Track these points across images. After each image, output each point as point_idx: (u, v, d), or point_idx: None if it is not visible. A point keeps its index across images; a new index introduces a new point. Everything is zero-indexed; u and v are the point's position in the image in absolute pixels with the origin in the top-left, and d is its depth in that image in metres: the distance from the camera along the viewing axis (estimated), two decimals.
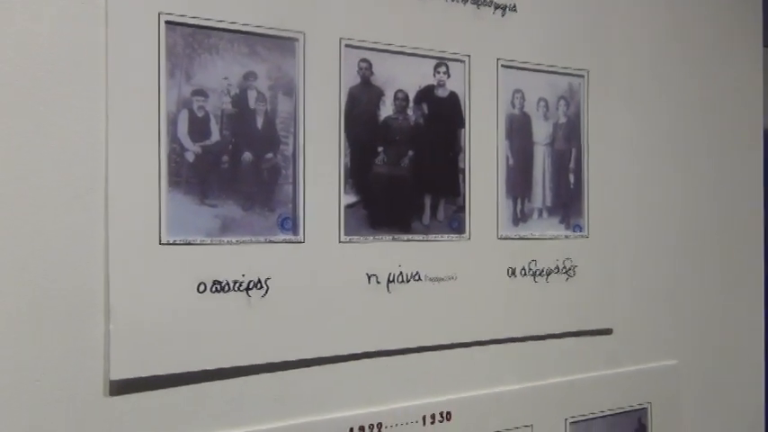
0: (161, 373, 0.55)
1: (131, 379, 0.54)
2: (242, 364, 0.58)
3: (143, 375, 0.54)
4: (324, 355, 0.62)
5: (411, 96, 0.66)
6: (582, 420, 0.76)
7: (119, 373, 0.53)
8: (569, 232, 0.76)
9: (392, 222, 0.65)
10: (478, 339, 0.70)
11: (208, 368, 0.57)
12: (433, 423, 0.67)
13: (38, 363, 0.51)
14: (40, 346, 0.51)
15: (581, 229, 0.76)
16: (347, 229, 0.63)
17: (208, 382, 0.57)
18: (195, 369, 0.56)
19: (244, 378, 0.59)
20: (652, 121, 0.83)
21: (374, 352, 0.65)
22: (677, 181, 0.85)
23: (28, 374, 0.51)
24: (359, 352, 0.64)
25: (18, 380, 0.50)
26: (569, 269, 0.75)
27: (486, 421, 0.70)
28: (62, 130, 0.52)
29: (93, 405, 0.53)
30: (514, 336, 0.72)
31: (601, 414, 0.78)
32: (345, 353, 0.63)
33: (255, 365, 0.59)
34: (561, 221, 0.75)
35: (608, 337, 0.79)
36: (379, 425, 0.64)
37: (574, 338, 0.76)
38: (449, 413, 0.68)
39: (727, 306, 0.89)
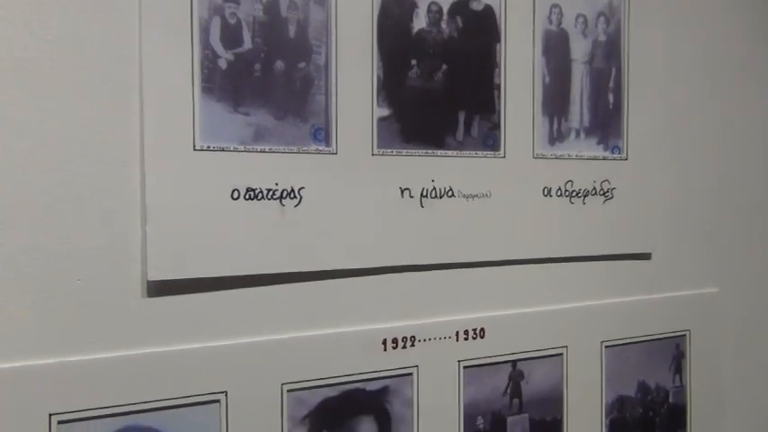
0: (196, 277, 0.56)
1: (168, 281, 0.55)
2: (276, 272, 0.59)
3: (179, 278, 0.55)
4: (357, 267, 0.62)
5: (445, 9, 0.65)
6: (618, 344, 0.76)
7: (156, 275, 0.54)
8: (607, 153, 0.74)
9: (425, 137, 0.65)
10: (513, 258, 0.70)
11: (242, 274, 0.57)
12: (466, 339, 0.67)
13: (79, 263, 0.52)
14: (81, 247, 0.52)
15: (619, 150, 0.75)
16: (380, 141, 0.63)
17: (242, 289, 0.58)
18: (229, 274, 0.57)
19: (277, 286, 0.59)
20: (694, 41, 0.80)
21: (407, 266, 0.65)
22: (719, 103, 0.83)
23: (70, 274, 0.52)
24: (392, 265, 0.64)
25: (61, 279, 0.52)
26: (607, 191, 0.74)
27: (519, 340, 0.70)
28: (97, 34, 0.52)
29: (132, 305, 0.54)
30: (550, 256, 0.72)
31: (638, 339, 0.77)
32: (378, 265, 0.63)
33: (289, 274, 0.59)
34: (599, 142, 0.74)
35: (646, 262, 0.78)
36: (413, 338, 0.65)
37: (611, 262, 0.75)
38: (482, 330, 0.68)
39: None
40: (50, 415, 0.52)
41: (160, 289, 0.55)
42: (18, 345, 0.51)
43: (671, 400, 0.79)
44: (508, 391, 0.70)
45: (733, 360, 0.83)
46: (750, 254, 0.85)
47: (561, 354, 0.72)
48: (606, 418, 0.75)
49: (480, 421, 0.69)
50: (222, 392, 0.57)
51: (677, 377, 0.79)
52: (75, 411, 0.53)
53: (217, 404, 0.57)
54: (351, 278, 0.62)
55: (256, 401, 0.58)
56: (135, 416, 0.55)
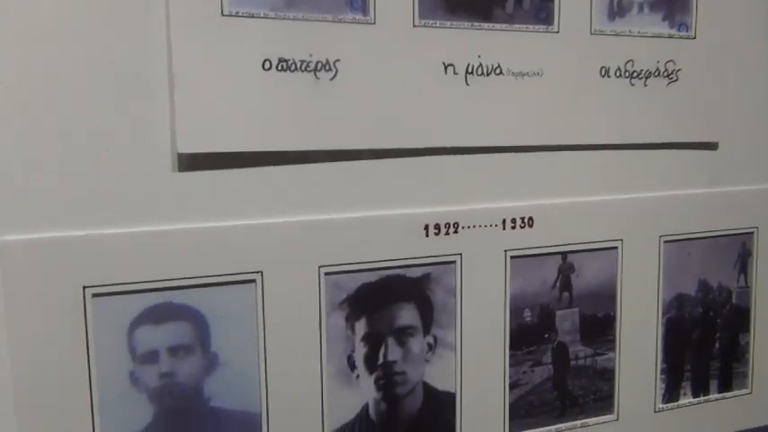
0: (226, 151, 0.54)
1: (198, 155, 0.53)
2: (310, 149, 0.56)
3: (209, 151, 0.53)
4: (396, 147, 0.59)
5: None
6: (678, 240, 0.71)
7: (185, 147, 0.52)
8: (673, 31, 0.68)
9: (471, 8, 0.60)
10: (565, 143, 0.65)
11: (275, 149, 0.55)
12: (513, 228, 0.64)
13: (106, 132, 0.51)
14: (108, 116, 0.51)
15: (687, 28, 0.68)
16: (422, 11, 0.58)
17: (276, 166, 0.56)
18: (261, 149, 0.55)
19: (314, 165, 0.57)
20: None
21: (451, 148, 0.61)
22: None
23: (98, 144, 0.51)
24: (434, 146, 0.60)
25: (88, 150, 0.50)
26: (671, 73, 0.68)
27: (571, 231, 0.66)
28: None
29: (162, 179, 0.53)
30: (606, 142, 0.67)
31: (700, 235, 0.72)
32: (419, 146, 0.60)
33: (325, 152, 0.57)
34: (664, 18, 0.67)
35: (712, 152, 0.72)
36: (456, 224, 0.62)
37: (673, 151, 0.70)
38: (531, 219, 0.64)
39: None
40: (84, 288, 0.51)
41: (191, 163, 0.53)
42: (47, 215, 0.50)
43: (734, 300, 0.74)
44: (557, 284, 0.67)
45: None
46: None
47: (616, 247, 0.68)
48: (663, 317, 0.71)
49: (527, 314, 0.66)
50: (258, 272, 0.56)
51: (742, 277, 0.74)
52: (110, 285, 0.52)
53: (252, 284, 0.56)
54: (390, 159, 0.59)
55: (293, 284, 0.57)
56: (170, 292, 0.54)
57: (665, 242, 0.70)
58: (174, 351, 0.54)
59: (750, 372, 0.76)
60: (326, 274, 0.58)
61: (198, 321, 0.55)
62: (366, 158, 0.58)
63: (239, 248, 0.55)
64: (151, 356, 0.54)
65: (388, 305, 0.61)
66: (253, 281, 0.56)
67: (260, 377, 0.57)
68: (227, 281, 0.55)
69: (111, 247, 0.52)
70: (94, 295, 0.51)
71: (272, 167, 0.55)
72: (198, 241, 0.54)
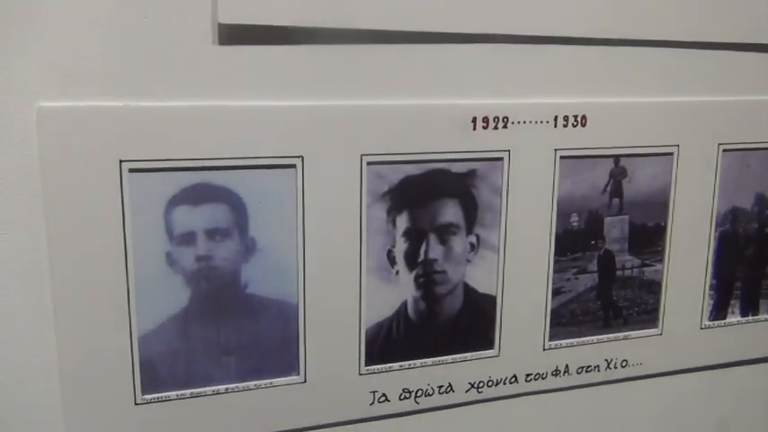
0: (271, 24, 0.51)
1: (241, 27, 0.50)
2: (360, 28, 0.53)
3: (252, 23, 0.50)
4: (448, 31, 0.56)
5: None
6: (738, 149, 0.67)
7: (227, 17, 0.49)
8: None
9: None
10: (625, 38, 0.61)
11: (321, 26, 0.52)
12: (566, 126, 0.61)
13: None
14: None
15: None
16: None
17: (322, 45, 0.53)
18: (308, 26, 0.52)
19: (360, 46, 0.54)
20: None
21: (503, 36, 0.58)
22: None
23: (136, 8, 0.48)
24: (487, 33, 0.57)
25: (127, 15, 0.48)
26: None
27: (625, 133, 0.63)
28: None
29: (203, 51, 0.50)
30: (668, 39, 0.63)
31: (762, 145, 0.68)
32: (472, 32, 0.56)
33: (374, 32, 0.54)
34: None
35: None
36: (505, 119, 0.59)
37: (739, 53, 0.65)
38: (584, 117, 0.61)
39: None
40: (121, 162, 0.50)
41: (233, 36, 0.50)
42: (84, 83, 0.48)
43: None
44: (608, 189, 0.64)
45: None
46: None
47: (671, 153, 0.65)
48: (716, 230, 0.68)
49: (575, 218, 0.63)
50: (298, 157, 0.54)
51: None
52: (148, 161, 0.50)
53: (293, 169, 0.54)
54: (441, 44, 0.56)
55: (334, 171, 0.55)
56: (209, 173, 0.52)
57: (724, 151, 0.66)
58: (212, 234, 0.53)
59: None
60: (369, 163, 0.56)
61: (236, 204, 0.53)
62: (416, 42, 0.55)
63: (281, 131, 0.53)
64: (188, 238, 0.52)
65: (431, 200, 0.58)
66: (293, 166, 0.54)
67: (297, 266, 0.55)
68: (268, 164, 0.53)
69: (148, 120, 0.50)
70: (131, 170, 0.50)
71: (317, 46, 0.53)
72: (238, 120, 0.52)
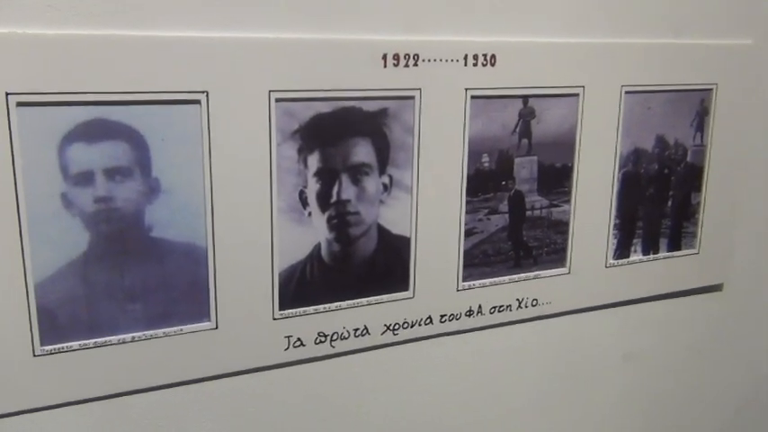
0: None
1: None
2: None
3: None
4: None
5: None
6: (639, 92, 0.69)
7: None
8: None
9: None
10: None
11: None
12: (475, 65, 0.61)
13: None
14: None
15: None
16: None
17: None
18: None
19: None
20: None
21: None
22: None
23: None
24: None
25: None
26: None
27: (533, 73, 0.63)
28: None
29: None
30: None
31: (660, 88, 0.70)
32: None
33: None
34: None
35: (675, 2, 0.69)
36: (416, 56, 0.58)
37: None
38: (493, 57, 0.61)
39: None
40: (7, 94, 0.46)
41: None
42: None
43: (689, 159, 0.74)
44: (517, 129, 0.64)
45: (761, 122, 0.77)
46: None
47: (577, 94, 0.66)
48: (619, 171, 0.70)
49: (486, 159, 0.64)
50: (203, 92, 0.51)
51: (698, 135, 0.74)
52: (38, 94, 0.47)
53: (196, 105, 0.51)
54: None
55: (241, 108, 0.53)
56: (106, 108, 0.49)
57: (627, 93, 0.68)
58: (111, 173, 0.50)
59: (699, 232, 0.77)
60: (278, 100, 0.54)
61: (137, 142, 0.50)
62: None
63: (183, 64, 0.50)
64: (85, 178, 0.49)
65: (343, 140, 0.57)
66: (197, 101, 0.51)
67: (205, 207, 0.53)
68: (170, 99, 0.50)
69: (38, 50, 0.46)
70: (19, 104, 0.46)
71: None
72: (138, 51, 0.49)
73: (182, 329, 0.55)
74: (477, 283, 0.66)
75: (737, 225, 0.79)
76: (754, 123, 0.76)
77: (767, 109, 0.77)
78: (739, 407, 0.88)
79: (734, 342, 0.84)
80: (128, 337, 0.53)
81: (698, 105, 0.73)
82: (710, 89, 0.73)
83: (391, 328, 0.63)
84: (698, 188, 0.75)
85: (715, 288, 0.81)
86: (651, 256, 0.75)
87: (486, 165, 0.64)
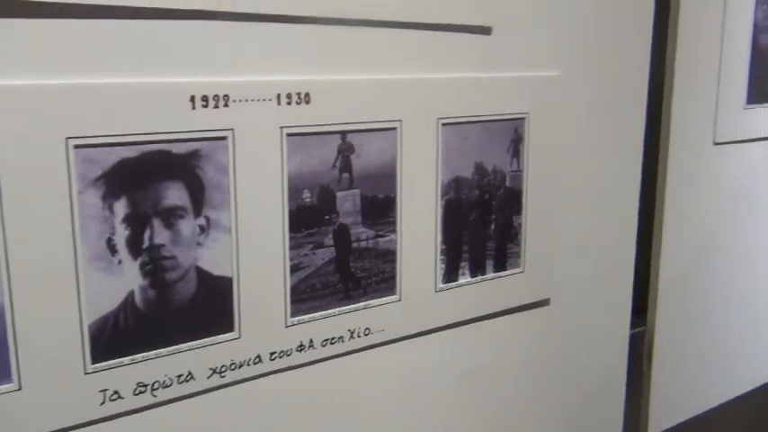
0: None
1: None
2: (66, 1, 0.49)
3: None
4: (162, 7, 0.54)
5: None
6: (455, 123, 0.72)
7: None
8: None
9: None
10: (344, 17, 0.63)
11: None
12: (289, 104, 0.61)
13: None
14: None
15: None
16: None
17: (15, 18, 0.48)
18: None
19: (63, 20, 0.50)
20: None
21: (221, 13, 0.57)
22: None
23: None
24: (201, 10, 0.56)
25: None
26: None
27: (349, 109, 0.65)
28: None
29: None
30: (384, 19, 0.66)
31: (476, 119, 0.74)
32: (184, 8, 0.55)
33: (78, 5, 0.50)
34: None
35: (486, 37, 0.73)
36: (226, 97, 0.58)
37: (450, 33, 0.70)
38: (307, 95, 0.62)
39: (616, 18, 0.85)
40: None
41: None
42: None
43: (508, 183, 0.78)
44: (337, 164, 0.65)
45: (572, 146, 0.83)
46: (594, 38, 0.83)
47: (395, 128, 0.68)
48: (442, 199, 0.73)
49: (307, 194, 0.64)
50: None
51: (515, 161, 0.78)
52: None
53: None
54: (153, 20, 0.53)
55: (38, 157, 0.50)
56: None
57: (444, 125, 0.71)
58: None
59: (522, 252, 0.81)
60: (76, 146, 0.52)
61: None
62: (123, 17, 0.52)
63: None
64: None
65: (153, 184, 0.56)
66: None
67: (2, 264, 0.50)
68: None
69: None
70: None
71: (18, 20, 0.48)
72: None
73: None
74: (306, 317, 0.66)
75: (557, 243, 0.84)
76: (564, 148, 0.82)
77: (575, 134, 0.83)
78: (571, 419, 0.93)
79: (563, 352, 0.90)
80: None
81: (512, 133, 0.77)
82: (523, 118, 0.77)
83: (218, 370, 0.62)
84: (518, 211, 0.80)
85: (542, 303, 0.85)
86: (479, 278, 0.78)
87: (308, 200, 0.64)
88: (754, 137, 1.05)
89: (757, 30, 1.02)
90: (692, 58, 0.96)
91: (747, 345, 1.18)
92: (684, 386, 1.08)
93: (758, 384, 1.20)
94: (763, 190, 1.11)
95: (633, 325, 0.99)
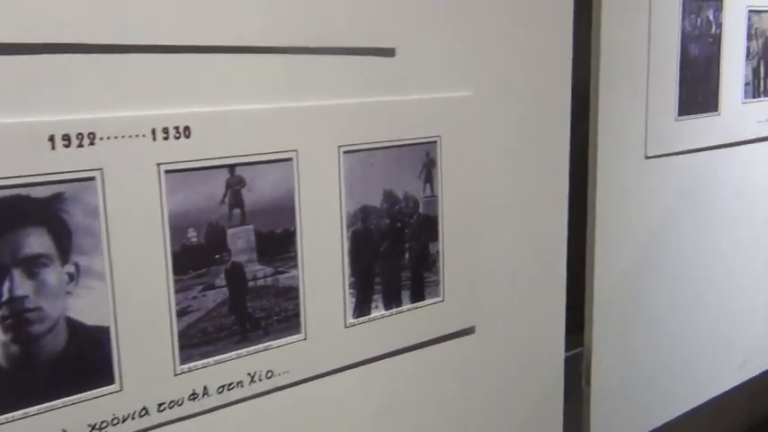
0: None
1: None
2: None
3: None
4: (12, 42, 0.49)
5: None
6: (359, 150, 0.69)
7: None
8: None
9: None
10: (228, 44, 0.59)
11: None
12: (166, 139, 0.57)
13: None
14: None
15: None
16: None
17: None
18: None
19: None
20: None
21: (83, 45, 0.53)
22: None
23: None
24: (59, 43, 0.51)
25: None
26: None
27: (236, 141, 0.61)
28: None
29: None
30: (273, 45, 0.62)
31: (382, 145, 0.70)
32: (40, 41, 0.51)
33: None
34: None
35: (390, 59, 0.70)
36: (91, 135, 0.54)
37: (350, 57, 0.67)
38: (187, 128, 0.58)
39: (532, 32, 0.82)
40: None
41: None
42: None
43: (421, 210, 0.74)
44: (227, 199, 0.61)
45: (491, 168, 0.80)
46: (509, 54, 0.80)
47: (291, 159, 0.64)
48: (348, 230, 0.69)
49: (193, 233, 0.60)
50: None
51: (428, 186, 0.75)
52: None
53: None
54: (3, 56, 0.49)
55: None
56: None
57: (345, 153, 0.68)
58: None
59: (441, 280, 0.77)
60: None
61: None
62: None
63: None
64: None
65: (10, 231, 0.52)
66: None
67: None
68: None
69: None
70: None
71: None
72: None
73: None
74: (199, 363, 0.62)
75: (480, 268, 0.81)
76: (482, 170, 0.78)
77: (494, 155, 0.80)
78: None
79: (492, 382, 0.86)
80: None
81: (424, 158, 0.74)
82: (435, 141, 0.74)
83: (97, 426, 0.57)
84: (434, 238, 0.76)
85: (467, 332, 0.82)
86: (394, 310, 0.74)
87: (194, 239, 0.60)
88: (686, 149, 1.03)
89: (686, 39, 1.00)
90: (618, 71, 0.93)
91: (691, 360, 1.16)
92: (626, 407, 1.06)
93: (702, 401, 1.17)
94: (698, 202, 1.09)
95: (569, 346, 0.97)
